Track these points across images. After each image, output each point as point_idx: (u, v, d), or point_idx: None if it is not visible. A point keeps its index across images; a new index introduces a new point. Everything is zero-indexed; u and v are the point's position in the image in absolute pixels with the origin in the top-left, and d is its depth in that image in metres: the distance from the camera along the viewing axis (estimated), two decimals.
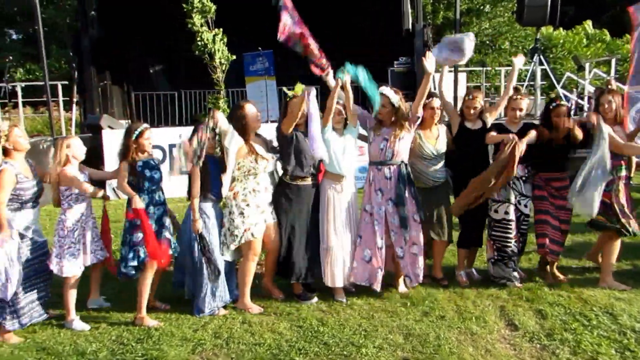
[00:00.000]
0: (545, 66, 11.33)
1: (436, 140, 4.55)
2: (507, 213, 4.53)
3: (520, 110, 4.56)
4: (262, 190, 4.21)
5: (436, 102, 4.52)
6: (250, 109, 4.21)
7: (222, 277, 4.12)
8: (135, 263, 3.98)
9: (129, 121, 12.62)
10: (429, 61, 4.25)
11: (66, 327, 4.00)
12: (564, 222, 4.56)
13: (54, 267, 3.93)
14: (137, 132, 4.02)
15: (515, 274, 4.60)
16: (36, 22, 9.49)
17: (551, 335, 3.68)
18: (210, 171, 4.07)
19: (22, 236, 3.81)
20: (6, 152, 3.80)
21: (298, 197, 4.30)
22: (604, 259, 4.62)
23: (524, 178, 4.57)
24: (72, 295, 4.02)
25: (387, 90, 4.36)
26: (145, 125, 4.11)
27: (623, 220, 4.35)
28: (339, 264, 4.30)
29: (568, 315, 3.98)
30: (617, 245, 4.53)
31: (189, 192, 4.03)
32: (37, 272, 3.94)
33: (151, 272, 4.04)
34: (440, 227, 4.57)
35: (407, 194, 4.32)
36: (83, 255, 4.02)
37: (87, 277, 4.26)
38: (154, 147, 8.15)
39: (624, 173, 4.47)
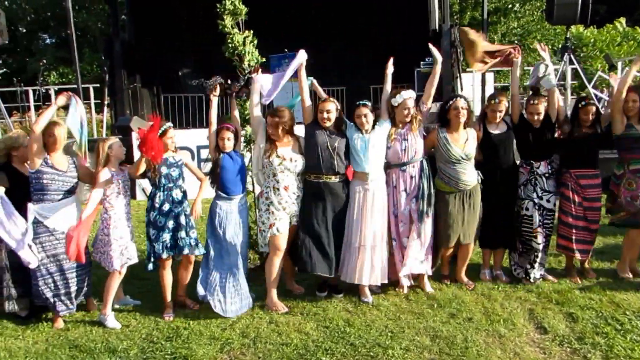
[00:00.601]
0: (576, 65, 11.11)
1: (465, 143, 4.43)
2: (527, 209, 4.57)
3: (539, 114, 4.53)
4: (281, 189, 4.23)
5: (461, 102, 4.42)
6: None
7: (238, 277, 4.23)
8: (152, 258, 4.19)
9: None
10: (437, 51, 4.42)
11: (100, 319, 4.12)
12: (593, 222, 4.59)
13: (102, 260, 4.13)
14: (161, 130, 4.13)
15: (541, 270, 4.66)
16: (69, 26, 9.76)
17: (582, 339, 3.62)
18: (224, 167, 4.23)
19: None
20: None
21: (313, 192, 4.31)
22: (623, 250, 4.78)
23: (546, 175, 4.58)
24: (113, 290, 4.15)
25: (405, 92, 4.39)
26: (169, 124, 4.23)
27: (625, 212, 4.50)
28: (367, 263, 4.31)
29: (599, 318, 3.91)
30: (635, 238, 4.64)
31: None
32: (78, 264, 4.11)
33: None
34: (468, 230, 4.53)
35: (426, 190, 4.39)
36: (125, 251, 4.13)
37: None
38: (182, 148, 8.35)
39: (638, 166, 4.51)
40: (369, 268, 4.31)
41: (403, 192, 4.41)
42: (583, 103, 4.57)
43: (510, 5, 18.28)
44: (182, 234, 4.18)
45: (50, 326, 4.09)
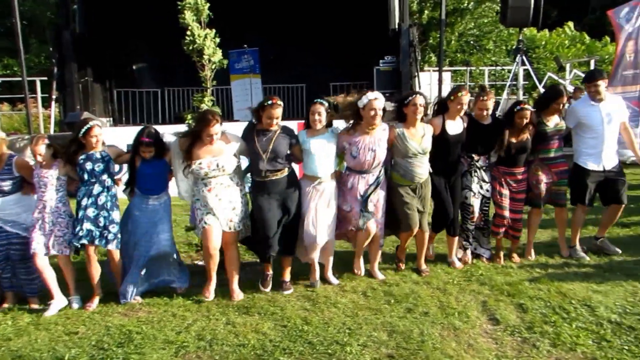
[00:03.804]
0: (528, 66, 11.48)
1: (422, 138, 4.58)
2: (466, 198, 4.90)
3: (488, 109, 4.83)
4: (205, 189, 4.27)
5: (420, 100, 4.54)
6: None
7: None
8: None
9: (111, 119, 12.46)
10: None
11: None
12: (517, 212, 5.07)
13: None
14: (84, 130, 4.21)
15: (482, 249, 5.18)
16: (13, 14, 9.30)
17: (532, 328, 3.73)
18: (140, 171, 4.38)
19: None
20: None
21: (260, 189, 4.39)
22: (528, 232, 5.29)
23: (484, 168, 4.96)
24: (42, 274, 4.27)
25: (371, 93, 4.45)
26: (94, 122, 4.28)
27: (531, 193, 5.07)
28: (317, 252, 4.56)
29: (548, 308, 4.04)
30: (534, 217, 5.24)
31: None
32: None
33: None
34: (423, 219, 4.74)
35: (374, 194, 4.54)
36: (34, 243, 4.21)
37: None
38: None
39: (546, 155, 5.05)
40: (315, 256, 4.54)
41: (359, 197, 4.52)
42: (518, 107, 4.87)
43: (465, 5, 18.65)
44: (96, 227, 4.24)
45: None
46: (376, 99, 4.41)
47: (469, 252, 5.12)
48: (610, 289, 4.35)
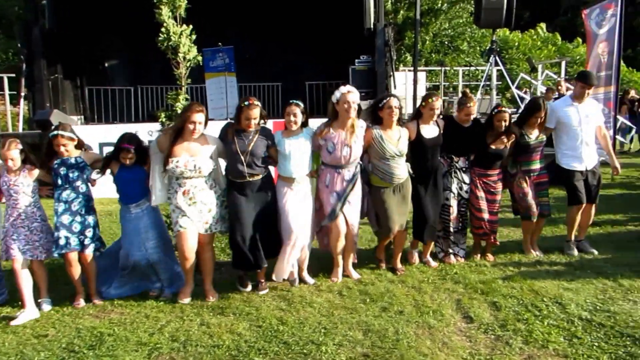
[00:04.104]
0: (501, 67, 11.65)
1: (398, 140, 4.60)
2: (447, 199, 4.97)
3: (473, 114, 4.97)
4: (179, 191, 4.22)
5: (394, 102, 4.56)
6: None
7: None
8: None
9: (82, 117, 12.20)
10: None
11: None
12: (492, 214, 5.12)
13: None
14: (50, 135, 4.18)
15: (457, 248, 5.19)
16: None
17: (505, 326, 3.78)
18: (119, 177, 4.34)
19: None
20: None
21: (236, 191, 4.34)
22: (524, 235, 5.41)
23: (464, 169, 5.02)
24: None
25: (344, 87, 4.45)
26: (58, 131, 4.17)
27: (517, 204, 5.20)
28: (292, 257, 4.48)
29: (520, 306, 4.10)
30: (528, 225, 5.28)
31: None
32: None
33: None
34: (402, 220, 4.75)
35: (352, 193, 4.54)
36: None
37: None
38: (107, 144, 8.00)
39: (528, 167, 5.14)
40: (290, 263, 4.49)
41: (334, 193, 4.51)
42: (496, 110, 4.99)
43: (439, 5, 18.84)
44: (72, 234, 4.20)
45: None
46: (349, 92, 4.41)
47: (452, 255, 5.16)
48: (580, 287, 4.43)
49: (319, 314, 4.04)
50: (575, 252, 5.30)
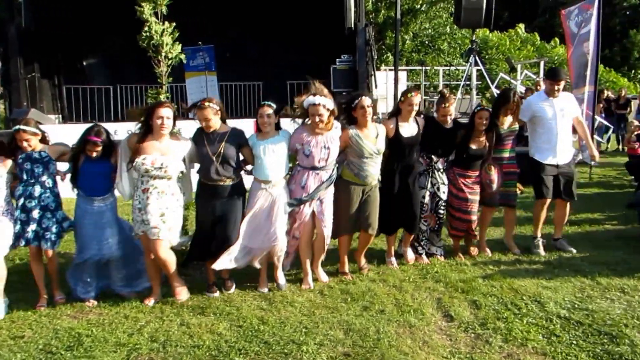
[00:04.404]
0: (481, 67, 11.77)
1: (376, 138, 4.60)
2: (423, 197, 4.99)
3: (450, 115, 5.00)
4: (140, 189, 4.15)
5: (367, 101, 4.53)
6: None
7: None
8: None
9: (59, 116, 12.02)
10: None
11: None
12: (472, 213, 5.13)
13: None
14: (13, 130, 4.17)
15: (434, 247, 5.23)
16: None
17: (485, 325, 3.81)
18: (84, 169, 4.24)
19: None
20: None
21: (206, 194, 4.32)
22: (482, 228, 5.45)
23: (442, 170, 5.06)
24: None
25: (319, 99, 4.35)
26: (19, 126, 4.14)
27: (484, 193, 5.16)
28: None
29: (500, 304, 4.14)
30: (487, 215, 5.40)
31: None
32: None
33: None
34: (372, 222, 4.67)
35: (330, 192, 4.52)
36: None
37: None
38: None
39: (499, 155, 5.19)
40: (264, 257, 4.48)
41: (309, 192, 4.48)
42: (478, 108, 5.13)
43: (419, 6, 18.96)
44: (40, 228, 4.17)
45: None
46: (318, 105, 4.33)
47: (424, 255, 5.18)
48: (559, 285, 4.48)
49: (300, 314, 4.03)
50: (542, 252, 5.31)
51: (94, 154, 4.21)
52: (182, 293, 4.30)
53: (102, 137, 4.20)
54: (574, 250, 5.35)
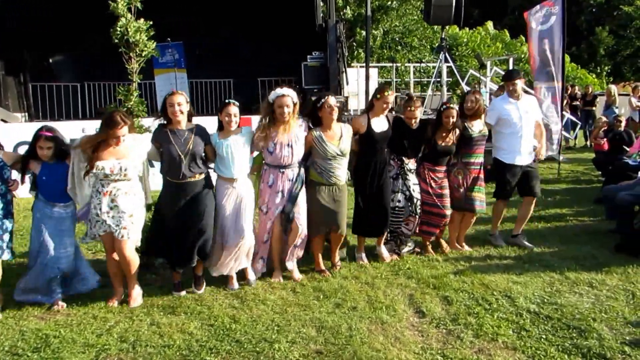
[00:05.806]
0: (451, 63, 11.88)
1: (339, 140, 4.56)
2: (399, 201, 5.00)
3: (415, 119, 5.01)
4: (101, 193, 4.04)
5: (332, 100, 4.51)
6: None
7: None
8: None
9: (26, 114, 11.72)
10: None
11: None
12: (446, 208, 5.15)
13: None
14: None
15: (406, 247, 5.26)
16: None
17: (456, 320, 3.85)
18: (43, 176, 4.09)
19: None
20: None
21: (171, 191, 4.25)
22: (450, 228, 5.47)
23: (413, 170, 5.07)
24: None
25: (285, 90, 4.37)
26: None
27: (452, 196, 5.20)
28: (232, 257, 4.38)
29: (471, 300, 4.20)
30: (455, 217, 5.35)
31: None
32: None
33: None
34: (341, 222, 4.66)
35: (300, 193, 4.50)
36: None
37: None
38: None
39: (469, 160, 5.23)
40: (234, 260, 4.39)
41: (280, 192, 4.47)
42: (444, 107, 5.11)
43: (389, 3, 19.02)
44: None
45: None
46: (285, 96, 4.34)
47: (404, 250, 5.23)
48: (529, 280, 4.56)
49: (272, 312, 4.01)
50: (502, 242, 5.49)
51: (45, 153, 4.03)
52: (138, 299, 4.21)
53: (53, 133, 4.06)
54: (533, 247, 5.42)
